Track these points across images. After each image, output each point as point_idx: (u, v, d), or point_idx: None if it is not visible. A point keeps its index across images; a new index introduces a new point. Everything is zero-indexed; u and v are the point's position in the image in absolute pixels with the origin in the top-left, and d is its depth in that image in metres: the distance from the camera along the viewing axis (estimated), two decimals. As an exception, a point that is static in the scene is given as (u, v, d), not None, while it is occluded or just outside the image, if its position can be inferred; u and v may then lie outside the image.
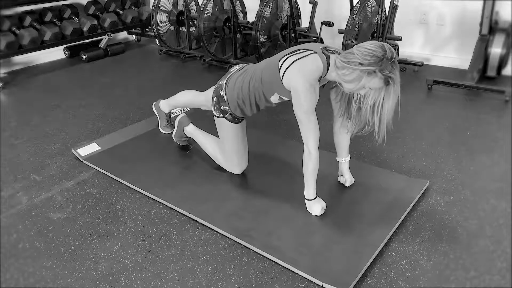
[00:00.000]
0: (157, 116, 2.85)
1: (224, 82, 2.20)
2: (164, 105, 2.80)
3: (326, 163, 2.27)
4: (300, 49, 1.93)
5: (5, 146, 2.80)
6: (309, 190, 2.01)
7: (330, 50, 1.91)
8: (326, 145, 2.34)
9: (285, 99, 2.03)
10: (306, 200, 2.03)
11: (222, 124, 2.26)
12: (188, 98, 2.68)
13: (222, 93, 2.19)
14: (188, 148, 2.67)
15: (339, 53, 1.90)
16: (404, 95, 3.46)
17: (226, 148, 2.32)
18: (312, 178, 1.98)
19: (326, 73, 1.91)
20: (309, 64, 1.87)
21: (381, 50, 1.74)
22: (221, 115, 2.23)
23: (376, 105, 1.82)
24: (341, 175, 2.26)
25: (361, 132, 2.00)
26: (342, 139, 2.17)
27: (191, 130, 2.56)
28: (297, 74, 1.87)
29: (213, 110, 2.28)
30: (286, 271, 1.72)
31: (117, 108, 3.38)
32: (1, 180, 2.40)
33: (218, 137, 2.37)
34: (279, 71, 1.92)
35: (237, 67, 2.27)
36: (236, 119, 2.24)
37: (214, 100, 2.24)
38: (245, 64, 2.27)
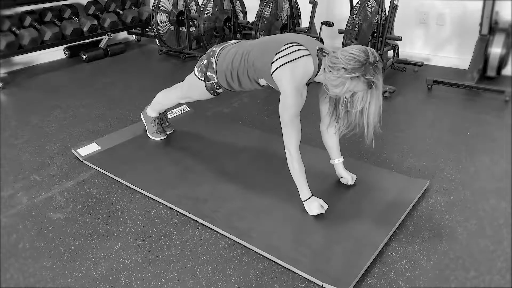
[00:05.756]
0: (145, 123, 2.80)
1: (218, 50, 2.20)
2: (150, 110, 2.75)
3: (326, 164, 2.26)
4: (297, 45, 1.92)
5: (5, 146, 2.80)
6: (302, 191, 2.00)
7: (325, 53, 1.90)
8: (324, 145, 2.34)
9: (273, 87, 2.04)
10: (303, 202, 2.02)
11: (198, 85, 2.30)
12: (165, 95, 2.61)
13: (213, 60, 2.19)
14: (170, 130, 2.82)
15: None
16: (404, 95, 3.50)
17: (190, 95, 2.45)
18: (301, 178, 1.98)
19: (315, 75, 1.93)
20: (300, 69, 1.88)
21: (364, 55, 1.75)
22: (202, 79, 2.26)
23: (364, 109, 1.85)
24: (341, 177, 2.25)
25: (350, 134, 2.01)
26: (329, 139, 2.16)
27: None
28: (287, 78, 1.88)
29: (196, 69, 2.29)
30: (286, 271, 1.72)
31: (117, 108, 3.37)
32: (1, 180, 2.40)
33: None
34: (271, 64, 1.92)
35: (233, 41, 2.28)
36: (213, 91, 2.27)
37: (203, 63, 2.25)
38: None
